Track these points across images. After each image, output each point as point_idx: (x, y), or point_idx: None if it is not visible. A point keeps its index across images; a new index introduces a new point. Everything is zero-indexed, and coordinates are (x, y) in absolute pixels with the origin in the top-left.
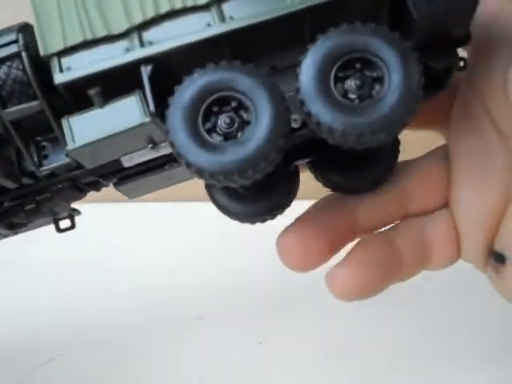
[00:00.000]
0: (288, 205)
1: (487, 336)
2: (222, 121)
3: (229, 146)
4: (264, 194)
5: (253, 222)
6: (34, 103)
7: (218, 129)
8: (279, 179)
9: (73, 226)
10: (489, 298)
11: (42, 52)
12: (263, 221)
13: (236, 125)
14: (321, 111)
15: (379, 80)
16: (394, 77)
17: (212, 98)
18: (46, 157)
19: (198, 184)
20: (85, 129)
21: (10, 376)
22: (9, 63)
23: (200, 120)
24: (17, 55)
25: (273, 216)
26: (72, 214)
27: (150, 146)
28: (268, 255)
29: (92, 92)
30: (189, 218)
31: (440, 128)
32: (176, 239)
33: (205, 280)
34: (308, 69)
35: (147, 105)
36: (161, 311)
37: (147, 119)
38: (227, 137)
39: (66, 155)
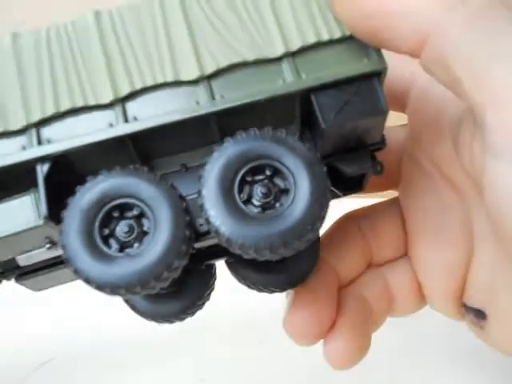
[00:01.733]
0: (207, 299)
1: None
2: (121, 228)
3: (120, 258)
4: (178, 292)
5: (171, 321)
6: None
7: (115, 236)
8: (193, 278)
9: None
10: None
11: None
12: (181, 320)
13: (135, 234)
14: (219, 220)
15: (286, 192)
16: (299, 190)
17: (113, 203)
18: None
19: None
20: None
21: (5, 381)
22: None
23: (97, 225)
24: None
25: (191, 314)
26: None
27: (48, 246)
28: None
29: None
30: None
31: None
32: None
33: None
34: (210, 172)
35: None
36: None
37: (41, 222)
38: (124, 246)
39: None
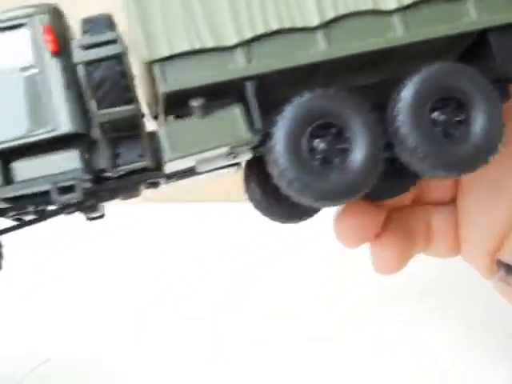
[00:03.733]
0: None
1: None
2: (323, 144)
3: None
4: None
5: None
6: (129, 107)
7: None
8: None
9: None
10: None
11: (144, 57)
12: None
13: (335, 150)
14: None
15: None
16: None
17: (317, 122)
18: (117, 155)
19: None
20: (185, 139)
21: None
22: (107, 64)
23: (305, 140)
24: (117, 57)
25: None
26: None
27: (232, 155)
28: (266, 259)
29: (195, 103)
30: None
31: None
32: (175, 241)
33: (203, 281)
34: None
35: (250, 121)
36: (157, 311)
37: (250, 135)
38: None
39: (140, 156)
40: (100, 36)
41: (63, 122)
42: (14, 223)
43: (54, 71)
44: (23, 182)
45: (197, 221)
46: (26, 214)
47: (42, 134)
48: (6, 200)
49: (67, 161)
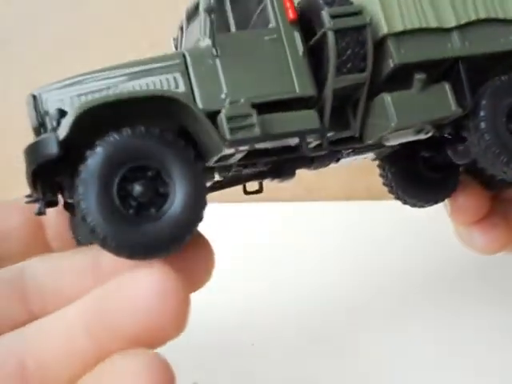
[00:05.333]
0: None
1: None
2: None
3: None
4: None
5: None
6: (361, 75)
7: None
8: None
9: (260, 190)
10: None
11: (384, 30)
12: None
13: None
14: None
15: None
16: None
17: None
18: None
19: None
20: (403, 110)
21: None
22: (353, 33)
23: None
24: (361, 27)
25: None
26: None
27: (424, 131)
28: (264, 261)
29: (417, 77)
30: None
31: None
32: None
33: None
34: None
35: (460, 98)
36: None
37: (460, 110)
38: None
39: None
40: (348, 7)
41: (306, 86)
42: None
43: (291, 40)
44: (278, 135)
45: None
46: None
47: (288, 94)
48: (249, 154)
49: (309, 120)
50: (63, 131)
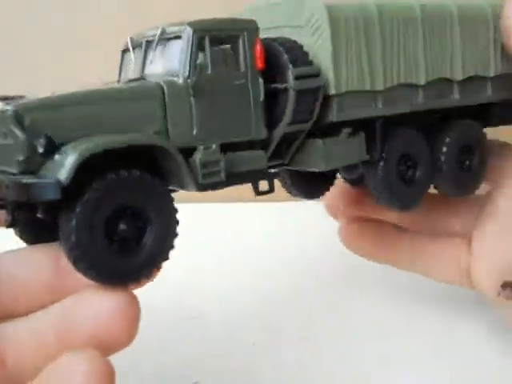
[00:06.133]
0: None
1: None
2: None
3: None
4: None
5: None
6: (307, 125)
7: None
8: None
9: (272, 190)
10: None
11: (332, 91)
12: None
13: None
14: None
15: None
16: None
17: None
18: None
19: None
20: (332, 151)
21: None
22: (310, 93)
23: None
24: (318, 88)
25: None
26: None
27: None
28: (263, 261)
29: (345, 130)
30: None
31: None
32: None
33: (202, 283)
34: None
35: (371, 147)
36: (154, 312)
37: (368, 157)
38: None
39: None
40: (309, 69)
41: (261, 130)
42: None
43: (255, 86)
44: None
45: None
46: None
47: (246, 136)
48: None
49: (260, 160)
50: (63, 175)
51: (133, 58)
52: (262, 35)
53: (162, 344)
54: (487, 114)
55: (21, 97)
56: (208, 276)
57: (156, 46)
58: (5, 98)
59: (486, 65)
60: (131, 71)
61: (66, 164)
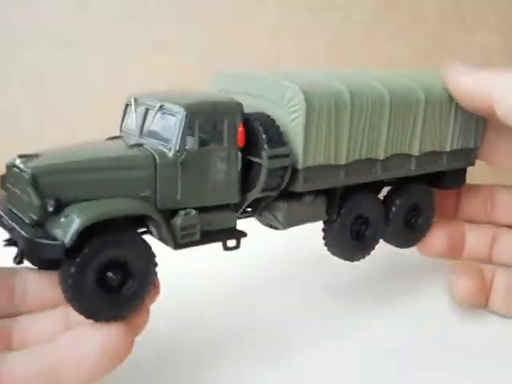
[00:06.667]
0: None
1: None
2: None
3: None
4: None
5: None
6: (275, 192)
7: None
8: None
9: (238, 246)
10: None
11: (300, 166)
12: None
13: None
14: None
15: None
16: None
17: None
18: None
19: None
20: (294, 213)
21: None
22: (281, 170)
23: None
24: (287, 166)
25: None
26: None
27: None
28: (265, 261)
29: (308, 196)
30: None
31: None
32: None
33: (201, 282)
34: None
35: (331, 209)
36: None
37: (327, 217)
38: None
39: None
40: (282, 150)
41: (236, 195)
42: None
43: (234, 160)
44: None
45: None
46: None
47: (221, 201)
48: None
49: (231, 220)
50: (67, 239)
51: (134, 117)
52: (239, 99)
53: (162, 344)
54: (442, 177)
55: (37, 155)
56: (208, 276)
57: (155, 115)
58: (23, 156)
59: (443, 142)
60: (132, 125)
61: (69, 230)
